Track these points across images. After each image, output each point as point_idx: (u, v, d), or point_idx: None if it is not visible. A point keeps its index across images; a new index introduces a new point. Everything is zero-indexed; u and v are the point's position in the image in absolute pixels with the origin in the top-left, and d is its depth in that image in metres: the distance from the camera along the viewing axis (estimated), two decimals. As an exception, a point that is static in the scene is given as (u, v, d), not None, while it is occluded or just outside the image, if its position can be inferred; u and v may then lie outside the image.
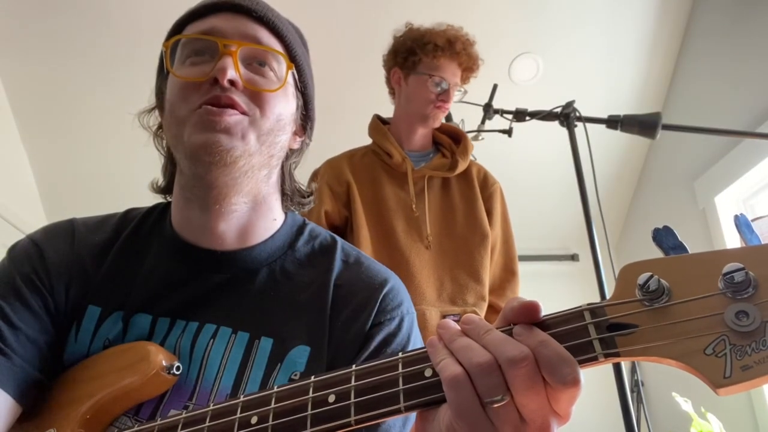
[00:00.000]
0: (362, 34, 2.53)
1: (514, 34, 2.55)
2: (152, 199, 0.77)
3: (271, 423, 0.42)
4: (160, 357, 0.57)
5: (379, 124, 1.55)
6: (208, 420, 0.46)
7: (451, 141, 1.55)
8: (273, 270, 0.67)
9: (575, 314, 0.39)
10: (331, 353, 0.62)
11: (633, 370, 2.71)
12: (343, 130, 1.92)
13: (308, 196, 0.77)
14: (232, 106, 0.60)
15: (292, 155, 0.74)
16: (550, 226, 3.06)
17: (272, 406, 0.43)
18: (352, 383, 0.42)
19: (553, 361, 0.35)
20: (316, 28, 2.51)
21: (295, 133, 0.72)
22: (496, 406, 0.36)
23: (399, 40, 1.48)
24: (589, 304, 0.39)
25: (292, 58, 0.69)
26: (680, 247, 0.39)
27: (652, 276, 0.37)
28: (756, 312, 0.34)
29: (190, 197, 0.66)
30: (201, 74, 0.61)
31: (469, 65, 1.47)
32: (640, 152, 2.95)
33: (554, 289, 2.96)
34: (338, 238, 0.75)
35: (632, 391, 2.23)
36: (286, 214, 0.74)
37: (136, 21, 2.28)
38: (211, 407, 0.47)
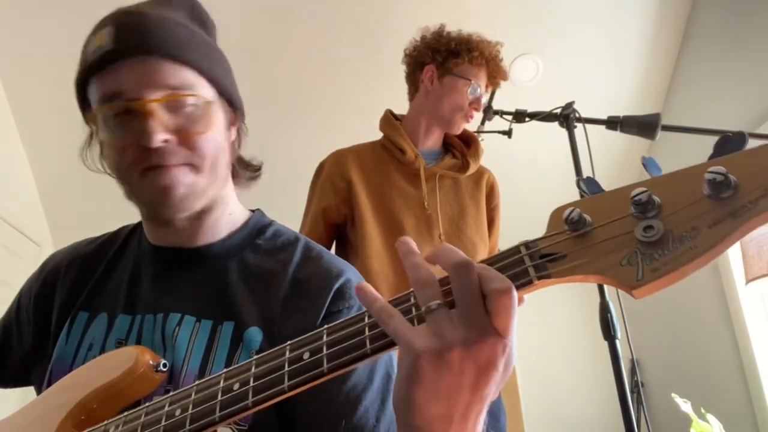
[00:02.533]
0: (363, 33, 2.53)
1: (514, 35, 2.55)
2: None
3: (252, 385, 0.46)
4: (146, 357, 0.60)
5: (391, 119, 1.55)
6: (193, 394, 0.49)
7: (461, 143, 1.56)
8: (233, 263, 0.71)
9: (513, 250, 0.45)
10: (285, 341, 0.63)
11: (633, 372, 2.71)
12: (343, 128, 1.92)
13: (258, 170, 0.81)
14: (172, 165, 0.63)
15: (232, 147, 0.75)
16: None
17: (252, 371, 0.47)
18: (324, 339, 0.46)
19: (491, 275, 0.41)
20: (318, 25, 2.51)
21: (230, 125, 0.73)
22: (432, 311, 0.41)
23: (441, 40, 1.46)
24: (524, 241, 0.45)
25: (204, 75, 0.67)
26: (601, 191, 0.46)
27: (573, 209, 0.44)
28: (660, 225, 0.40)
29: (151, 218, 0.72)
30: (130, 141, 0.62)
31: (496, 82, 1.50)
32: (639, 153, 2.95)
33: (554, 289, 2.95)
34: (303, 237, 0.77)
35: (632, 392, 2.22)
36: (252, 214, 0.78)
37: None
38: (196, 383, 0.50)
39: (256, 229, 0.76)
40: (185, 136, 0.64)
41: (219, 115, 0.69)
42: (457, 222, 1.45)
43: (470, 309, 0.40)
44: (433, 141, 1.53)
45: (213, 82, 0.68)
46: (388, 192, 1.43)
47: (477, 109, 1.46)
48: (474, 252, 1.44)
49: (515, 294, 0.40)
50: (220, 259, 0.71)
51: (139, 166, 0.63)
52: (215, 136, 0.67)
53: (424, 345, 0.40)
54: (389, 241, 1.38)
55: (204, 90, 0.66)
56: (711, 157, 0.42)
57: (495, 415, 1.36)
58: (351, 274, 0.72)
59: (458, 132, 1.52)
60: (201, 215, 0.70)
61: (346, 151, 1.50)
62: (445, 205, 1.45)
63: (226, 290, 0.68)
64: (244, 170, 0.79)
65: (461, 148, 1.55)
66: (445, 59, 1.45)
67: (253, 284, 0.69)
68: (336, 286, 0.67)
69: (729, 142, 0.42)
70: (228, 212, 0.74)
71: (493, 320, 0.40)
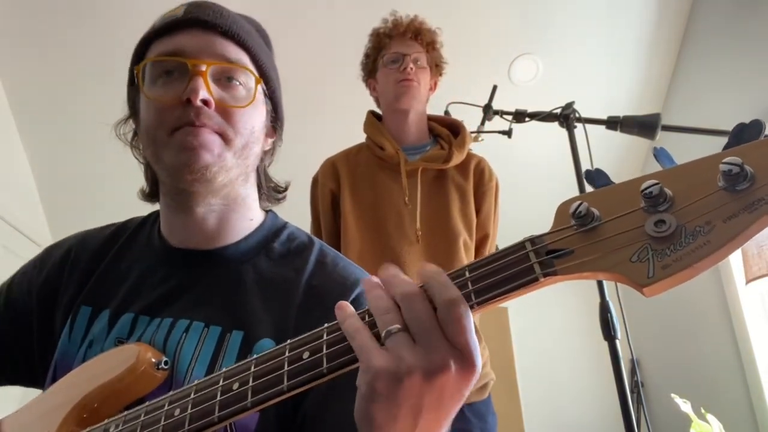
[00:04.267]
0: (366, 35, 2.52)
1: (514, 36, 2.56)
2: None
3: (251, 385, 0.46)
4: (148, 355, 0.60)
5: (373, 119, 1.56)
6: (192, 394, 0.49)
7: (449, 133, 1.52)
8: (246, 268, 0.70)
9: (518, 246, 0.43)
10: None
11: (633, 372, 2.71)
12: (341, 129, 1.92)
13: (283, 191, 0.81)
14: (205, 126, 0.63)
15: (265, 156, 0.77)
16: (550, 227, 3.06)
17: (252, 371, 0.47)
18: (324, 338, 0.45)
19: (439, 283, 0.41)
20: (318, 28, 2.51)
21: (266, 136, 0.75)
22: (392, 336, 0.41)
23: (365, 59, 1.57)
24: (529, 236, 0.43)
25: (259, 68, 0.71)
26: (610, 184, 0.44)
27: (581, 203, 0.42)
28: (672, 219, 0.38)
29: (172, 204, 0.71)
30: (173, 96, 0.63)
31: (417, 31, 1.47)
32: (639, 153, 2.96)
33: (554, 289, 2.95)
34: (317, 240, 0.76)
35: (632, 392, 2.22)
36: (266, 215, 0.77)
37: (137, 23, 2.28)
38: (195, 383, 0.50)
39: (271, 232, 0.75)
40: (225, 107, 0.65)
41: (261, 108, 0.71)
42: (440, 215, 1.41)
43: (426, 336, 0.39)
44: (414, 133, 1.51)
45: (265, 79, 0.71)
46: (372, 191, 1.43)
47: (404, 69, 1.44)
48: (456, 243, 1.38)
49: (463, 302, 0.40)
50: (234, 262, 0.70)
51: (170, 125, 0.63)
52: (253, 119, 0.68)
53: (382, 365, 0.39)
54: (368, 243, 1.38)
55: (255, 77, 0.69)
56: (726, 147, 0.39)
57: (482, 416, 1.33)
58: None
59: (410, 101, 1.46)
60: (223, 214, 0.70)
61: (333, 160, 1.52)
62: (427, 198, 1.42)
63: (238, 296, 0.67)
64: (269, 188, 0.79)
65: (449, 138, 1.51)
66: (372, 68, 1.55)
67: (267, 292, 0.67)
68: (352, 296, 0.66)
69: (745, 131, 0.39)
70: (249, 217, 0.73)
71: (450, 339, 0.39)
